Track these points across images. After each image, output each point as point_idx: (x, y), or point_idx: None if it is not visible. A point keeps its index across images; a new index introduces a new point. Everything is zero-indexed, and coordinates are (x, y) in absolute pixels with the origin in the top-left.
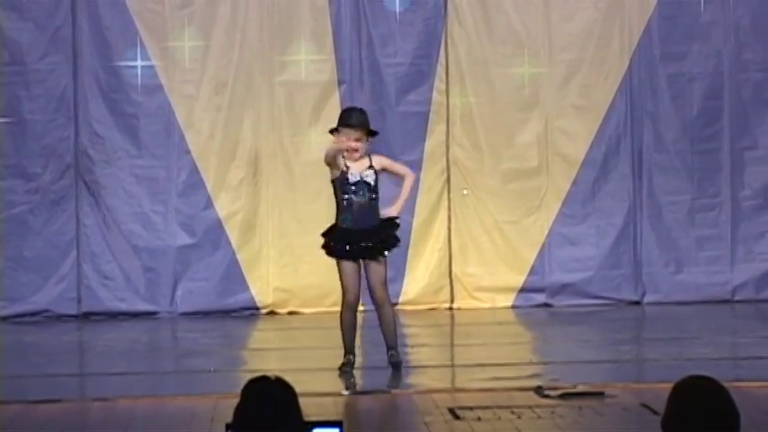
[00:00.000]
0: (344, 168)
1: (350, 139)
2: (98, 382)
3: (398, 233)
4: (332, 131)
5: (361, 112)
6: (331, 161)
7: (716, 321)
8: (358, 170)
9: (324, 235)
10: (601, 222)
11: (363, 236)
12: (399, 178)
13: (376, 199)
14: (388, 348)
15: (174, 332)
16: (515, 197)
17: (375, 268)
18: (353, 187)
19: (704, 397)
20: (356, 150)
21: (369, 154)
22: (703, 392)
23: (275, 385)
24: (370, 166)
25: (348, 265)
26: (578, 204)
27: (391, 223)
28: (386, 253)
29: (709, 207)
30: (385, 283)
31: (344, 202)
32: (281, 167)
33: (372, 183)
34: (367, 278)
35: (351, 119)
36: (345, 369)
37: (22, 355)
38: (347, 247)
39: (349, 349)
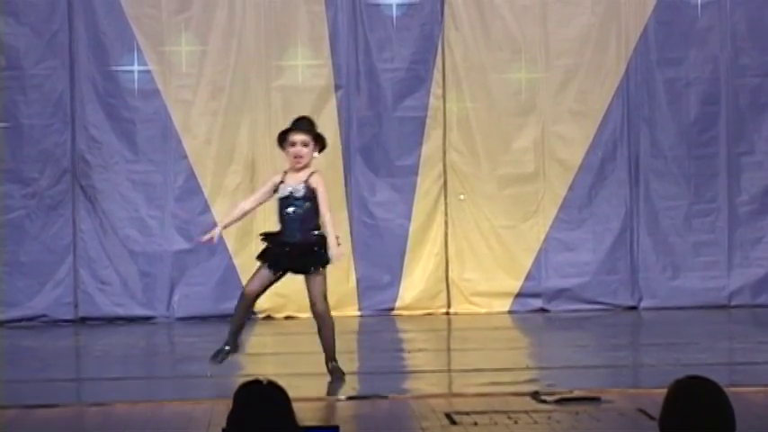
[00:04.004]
0: (280, 181)
1: (297, 143)
2: (95, 386)
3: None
4: (281, 137)
5: (310, 120)
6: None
7: (712, 327)
8: (291, 183)
9: (263, 237)
10: (597, 228)
11: (292, 249)
12: (321, 214)
13: (306, 212)
14: (328, 360)
15: (170, 337)
16: (512, 202)
17: (312, 281)
18: (284, 200)
19: (701, 397)
20: (301, 157)
21: (313, 171)
22: (700, 392)
23: (268, 389)
24: (306, 181)
25: (264, 270)
26: (575, 210)
27: (325, 241)
28: (312, 269)
29: (705, 212)
30: (325, 296)
31: (279, 215)
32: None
33: (300, 196)
34: (307, 292)
35: (299, 123)
36: (218, 355)
37: (18, 359)
38: (273, 256)
39: (231, 338)
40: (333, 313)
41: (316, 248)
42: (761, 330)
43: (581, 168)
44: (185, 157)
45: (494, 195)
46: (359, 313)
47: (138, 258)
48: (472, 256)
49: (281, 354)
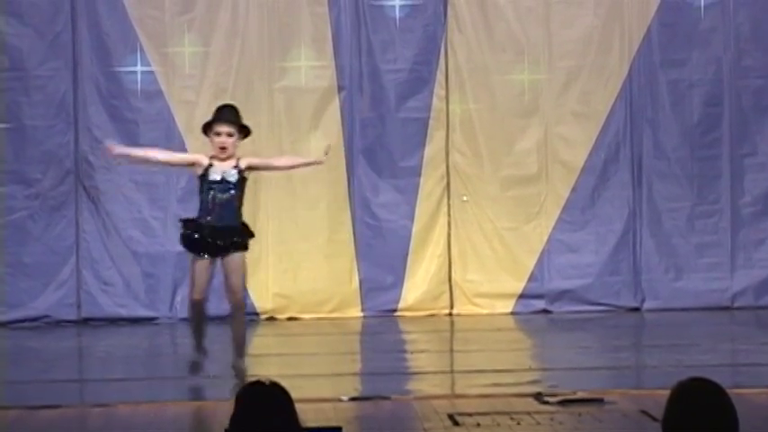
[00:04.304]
0: (208, 165)
1: (222, 133)
2: (97, 387)
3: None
4: (205, 128)
5: (235, 109)
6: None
7: (715, 328)
8: (221, 168)
9: (184, 225)
10: (600, 229)
11: (221, 233)
12: (278, 168)
13: (236, 198)
14: (239, 356)
15: (173, 338)
16: (515, 204)
17: (234, 267)
18: (215, 185)
19: (704, 398)
20: (225, 148)
21: (238, 157)
22: (703, 394)
23: (270, 389)
24: (236, 166)
25: (200, 262)
26: (578, 211)
27: (248, 229)
28: (239, 249)
29: (708, 214)
30: (244, 286)
31: (204, 199)
32: (281, 174)
33: (234, 181)
34: (225, 279)
35: (224, 113)
36: (194, 369)
37: (21, 360)
38: (203, 242)
39: (196, 347)
40: (336, 315)
41: (241, 231)
42: (764, 332)
43: (584, 170)
44: None
45: (497, 197)
46: (362, 314)
47: (141, 259)
48: (475, 258)
49: (284, 354)
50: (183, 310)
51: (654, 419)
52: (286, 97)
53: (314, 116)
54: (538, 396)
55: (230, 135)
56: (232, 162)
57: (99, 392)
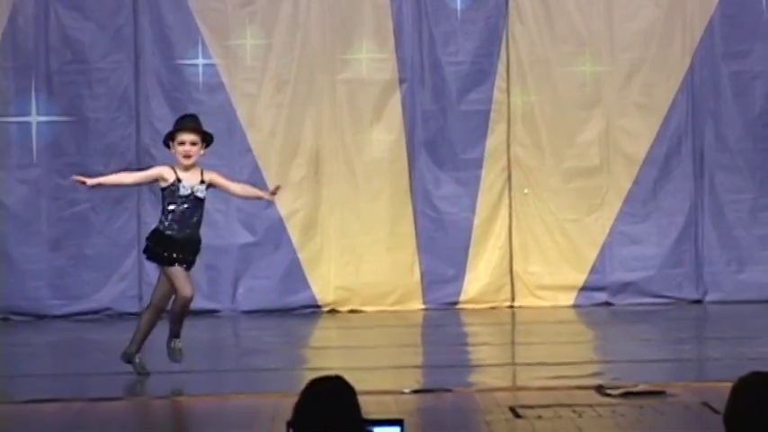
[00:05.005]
0: (176, 179)
1: (186, 142)
2: (159, 379)
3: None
4: (167, 139)
5: (196, 118)
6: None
7: None
8: (190, 183)
9: (149, 240)
10: (662, 221)
11: (187, 246)
12: (233, 193)
13: (203, 213)
14: (137, 351)
15: (235, 330)
16: (577, 196)
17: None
18: (183, 200)
19: (766, 392)
20: (190, 156)
21: (201, 168)
22: (765, 388)
23: (335, 384)
24: (202, 181)
25: (178, 269)
26: (639, 203)
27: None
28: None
29: None
30: None
31: (172, 213)
32: (343, 166)
33: (202, 197)
34: (162, 287)
35: (186, 121)
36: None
37: (83, 352)
38: (175, 255)
39: (176, 334)
40: (397, 307)
41: (199, 247)
42: None
43: (646, 162)
44: (250, 150)
45: (558, 189)
46: (423, 307)
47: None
48: (537, 250)
49: (346, 347)
50: (244, 302)
51: (716, 412)
52: (348, 89)
53: (375, 108)
54: (599, 388)
55: (194, 143)
56: (197, 175)
57: (161, 384)
